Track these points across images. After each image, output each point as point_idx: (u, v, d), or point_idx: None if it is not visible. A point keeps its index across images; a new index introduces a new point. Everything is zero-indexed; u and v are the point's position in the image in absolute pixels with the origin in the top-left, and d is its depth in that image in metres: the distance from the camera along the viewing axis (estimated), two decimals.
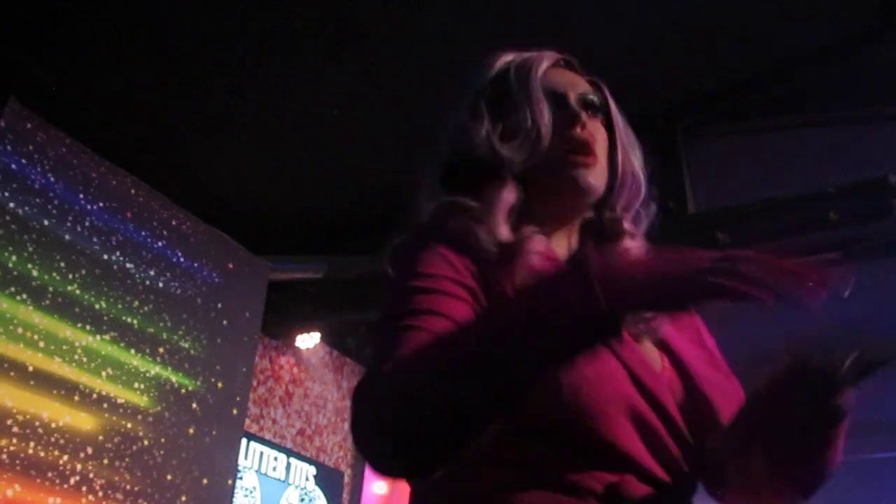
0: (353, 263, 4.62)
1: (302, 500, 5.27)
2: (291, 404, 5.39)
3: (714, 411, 1.02)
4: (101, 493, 3.46)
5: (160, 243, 4.02)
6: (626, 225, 1.14)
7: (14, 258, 3.35)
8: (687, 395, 1.02)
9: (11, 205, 3.39)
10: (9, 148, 3.42)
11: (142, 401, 3.75)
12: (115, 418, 3.60)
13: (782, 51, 3.43)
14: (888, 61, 3.35)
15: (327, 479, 5.51)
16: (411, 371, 0.84)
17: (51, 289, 3.47)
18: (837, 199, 3.53)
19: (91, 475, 3.44)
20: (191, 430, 3.95)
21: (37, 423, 3.28)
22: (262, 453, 5.02)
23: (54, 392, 3.38)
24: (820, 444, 0.94)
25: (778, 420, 0.93)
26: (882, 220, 3.48)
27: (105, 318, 3.66)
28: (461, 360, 0.82)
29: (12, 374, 3.23)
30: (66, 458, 3.36)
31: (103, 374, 3.60)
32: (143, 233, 3.95)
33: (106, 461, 3.52)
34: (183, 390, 3.96)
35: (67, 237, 3.58)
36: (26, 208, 3.44)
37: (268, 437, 5.13)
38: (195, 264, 4.19)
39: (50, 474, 3.29)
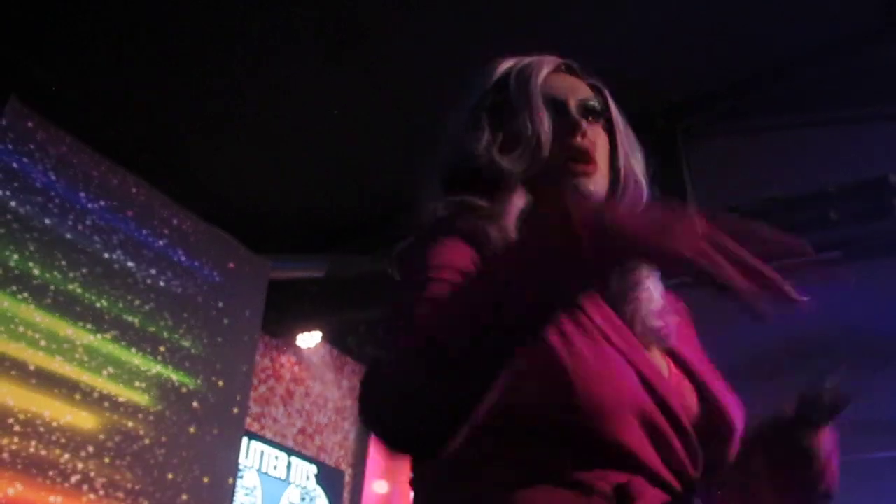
0: (353, 262, 4.63)
1: (303, 499, 5.28)
2: (292, 403, 5.40)
3: (727, 419, 1.03)
4: (102, 492, 3.46)
5: (161, 242, 4.03)
6: None
7: (15, 257, 3.36)
8: (698, 401, 1.03)
9: (12, 203, 3.39)
10: (10, 147, 3.42)
11: (143, 399, 3.76)
12: (116, 417, 3.61)
13: (782, 51, 3.43)
14: (888, 61, 3.35)
15: (328, 478, 5.51)
16: (430, 339, 0.83)
17: (52, 287, 3.47)
18: (837, 199, 3.53)
19: (92, 474, 3.45)
20: (192, 429, 3.96)
21: (38, 422, 3.29)
22: (262, 452, 5.02)
23: (55, 391, 3.38)
24: (809, 478, 1.01)
25: (770, 462, 1.01)
26: (882, 219, 3.49)
27: (106, 316, 3.67)
28: (467, 312, 0.81)
29: (13, 372, 3.24)
30: (67, 456, 3.37)
31: (104, 372, 3.60)
32: (144, 232, 3.96)
33: (107, 460, 3.52)
34: (184, 389, 3.97)
35: (68, 236, 3.59)
36: (27, 207, 3.45)
37: (268, 435, 5.13)
38: (196, 263, 4.20)
39: (51, 473, 3.30)
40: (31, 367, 3.32)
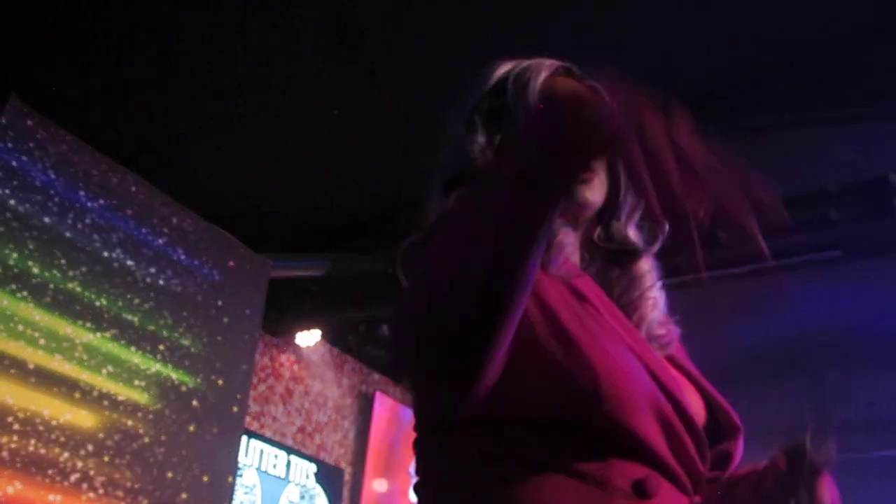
0: (353, 261, 4.63)
1: (302, 497, 5.28)
2: (292, 402, 5.40)
3: (732, 419, 1.05)
4: (101, 491, 3.46)
5: (161, 241, 4.03)
6: (631, 233, 1.14)
7: (15, 255, 3.36)
8: (703, 401, 1.05)
9: (12, 202, 3.39)
10: (9, 145, 3.42)
11: (142, 398, 3.76)
12: (115, 416, 3.61)
13: (782, 51, 3.43)
14: (888, 61, 3.35)
15: (327, 476, 5.52)
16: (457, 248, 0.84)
17: (51, 286, 3.47)
18: (838, 198, 3.54)
19: (91, 472, 3.45)
20: (191, 428, 3.96)
21: (37, 421, 3.29)
22: (262, 451, 5.03)
23: (55, 389, 3.38)
24: None
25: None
26: (882, 219, 3.49)
27: (105, 315, 3.67)
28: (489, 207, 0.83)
29: (13, 371, 3.24)
30: (66, 455, 3.37)
31: (104, 371, 3.61)
32: (144, 230, 3.96)
33: (106, 458, 3.52)
34: (183, 388, 3.97)
35: (68, 234, 3.59)
36: (27, 205, 3.45)
37: (268, 434, 5.13)
38: (196, 262, 4.20)
39: (50, 471, 3.30)
40: (31, 366, 3.32)
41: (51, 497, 3.28)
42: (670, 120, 0.80)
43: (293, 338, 5.28)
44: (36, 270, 3.43)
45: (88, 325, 3.59)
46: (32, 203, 3.47)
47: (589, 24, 3.25)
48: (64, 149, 3.64)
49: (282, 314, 5.06)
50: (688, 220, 0.82)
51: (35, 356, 3.34)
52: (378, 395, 6.06)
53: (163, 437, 3.79)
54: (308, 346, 5.43)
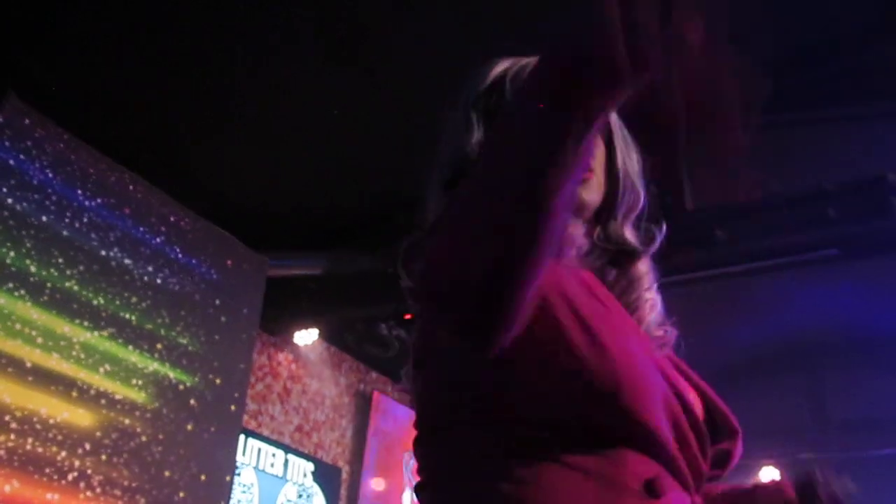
0: (351, 260, 4.63)
1: (300, 496, 5.28)
2: (289, 401, 5.40)
3: (730, 421, 1.04)
4: (98, 489, 3.46)
5: (158, 239, 4.02)
6: (628, 233, 1.14)
7: (12, 254, 3.35)
8: (701, 402, 1.05)
9: (9, 200, 3.38)
10: (7, 143, 3.42)
11: (140, 397, 3.75)
12: (113, 414, 3.60)
13: (781, 49, 3.43)
14: (888, 61, 3.35)
15: (325, 475, 5.52)
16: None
17: (49, 285, 3.46)
18: (836, 197, 3.54)
19: (89, 471, 3.44)
20: (189, 427, 3.95)
21: (35, 419, 3.29)
22: (259, 449, 5.02)
23: (52, 388, 3.38)
24: None
25: None
26: (881, 217, 3.49)
27: (103, 314, 3.66)
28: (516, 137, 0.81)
29: (10, 369, 3.23)
30: (64, 453, 3.37)
31: (101, 370, 3.60)
32: (142, 229, 3.95)
33: (104, 457, 3.52)
34: (181, 386, 3.96)
35: (66, 233, 3.58)
36: (24, 204, 3.44)
37: (266, 433, 5.13)
38: (193, 260, 4.19)
39: (48, 470, 3.29)
40: (28, 365, 3.31)
41: (48, 496, 3.27)
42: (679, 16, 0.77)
43: (291, 336, 5.28)
44: (33, 269, 3.42)
45: (86, 323, 3.58)
46: (30, 202, 3.47)
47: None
48: (61, 147, 3.63)
49: (280, 313, 5.06)
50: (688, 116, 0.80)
51: (32, 355, 3.34)
52: (376, 394, 6.06)
53: (160, 436, 3.79)
54: (306, 345, 5.42)
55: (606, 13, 0.73)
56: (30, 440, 3.25)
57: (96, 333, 3.61)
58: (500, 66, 1.15)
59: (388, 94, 3.69)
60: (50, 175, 3.57)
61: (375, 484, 5.86)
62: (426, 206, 1.12)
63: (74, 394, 3.46)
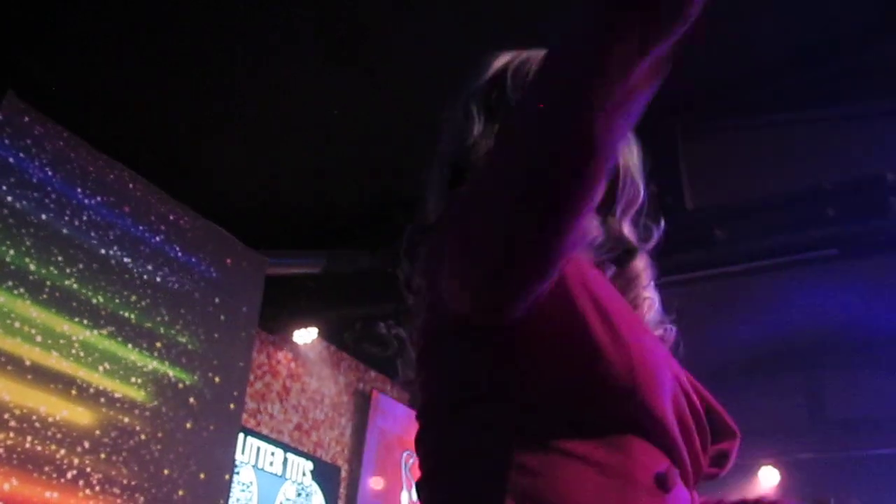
0: (351, 259, 4.63)
1: (299, 494, 5.28)
2: (288, 399, 5.40)
3: (727, 421, 1.04)
4: (98, 488, 3.46)
5: (158, 238, 4.02)
6: (626, 229, 1.14)
7: (12, 252, 3.35)
8: (700, 400, 1.04)
9: (9, 198, 3.38)
10: (6, 142, 3.41)
11: (139, 395, 3.75)
12: (112, 413, 3.60)
13: (782, 50, 3.43)
14: (887, 60, 3.36)
15: (324, 474, 5.52)
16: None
17: (48, 283, 3.46)
18: (835, 196, 3.54)
19: (88, 469, 3.44)
20: (188, 425, 3.95)
21: (34, 418, 3.28)
22: (259, 448, 5.02)
23: (51, 386, 3.38)
24: None
25: None
26: (879, 217, 3.49)
27: (102, 312, 3.66)
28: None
29: (9, 368, 3.23)
30: (63, 452, 3.37)
31: (101, 368, 3.60)
32: (141, 227, 3.95)
33: (103, 455, 3.52)
34: (180, 385, 3.96)
35: (65, 231, 3.58)
36: (24, 202, 3.44)
37: (265, 431, 5.13)
38: (193, 259, 4.19)
39: (47, 468, 3.29)
40: (28, 363, 3.31)
41: (47, 494, 3.27)
42: None
43: (290, 335, 5.27)
44: (33, 267, 3.42)
45: (85, 322, 3.58)
46: (29, 200, 3.46)
47: None
48: (61, 145, 3.63)
49: (279, 311, 5.05)
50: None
51: (32, 353, 3.34)
52: (375, 392, 6.06)
53: (159, 435, 3.79)
54: (305, 344, 5.42)
55: None
56: (29, 438, 3.25)
57: (95, 332, 3.61)
58: (502, 60, 1.15)
59: (388, 94, 3.69)
60: (49, 173, 3.57)
61: (374, 482, 5.86)
62: (426, 203, 1.12)
63: (73, 392, 3.46)
